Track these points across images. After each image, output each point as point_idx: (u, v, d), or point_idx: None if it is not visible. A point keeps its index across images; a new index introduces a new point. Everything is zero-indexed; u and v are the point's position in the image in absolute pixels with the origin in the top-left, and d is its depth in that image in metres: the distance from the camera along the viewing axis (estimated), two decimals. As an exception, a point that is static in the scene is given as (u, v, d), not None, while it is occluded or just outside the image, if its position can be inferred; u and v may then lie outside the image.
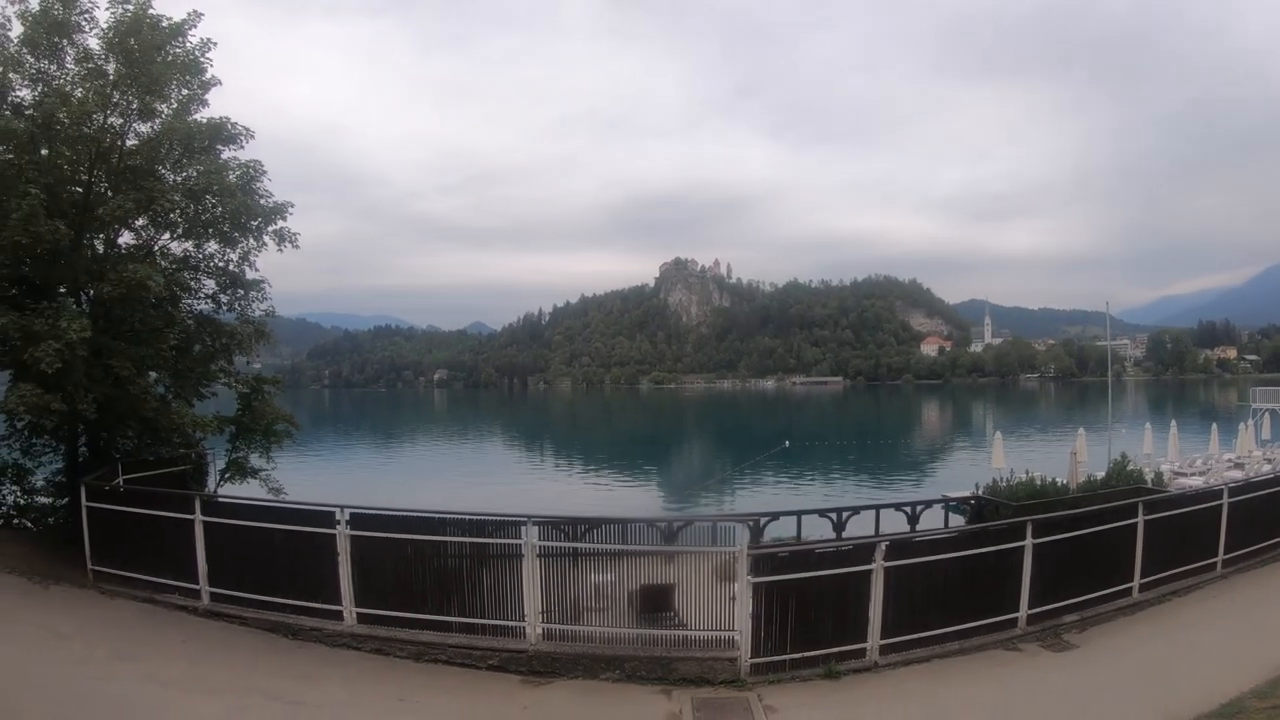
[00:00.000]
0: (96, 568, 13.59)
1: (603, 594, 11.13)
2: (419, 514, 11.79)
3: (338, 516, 11.54)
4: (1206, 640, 12.22)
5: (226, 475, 17.79)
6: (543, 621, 10.88)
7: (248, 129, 15.80)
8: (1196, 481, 25.45)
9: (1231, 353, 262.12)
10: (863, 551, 11.06)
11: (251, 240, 16.19)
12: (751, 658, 10.41)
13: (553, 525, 11.38)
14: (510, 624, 11.00)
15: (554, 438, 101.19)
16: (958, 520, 18.18)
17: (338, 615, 11.55)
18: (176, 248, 16.39)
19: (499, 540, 11.32)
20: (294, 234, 16.31)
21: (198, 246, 16.33)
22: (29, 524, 16.90)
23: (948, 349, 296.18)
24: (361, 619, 11.47)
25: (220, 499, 14.43)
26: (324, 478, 47.58)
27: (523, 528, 11.08)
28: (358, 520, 11.53)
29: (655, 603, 10.99)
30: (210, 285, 16.75)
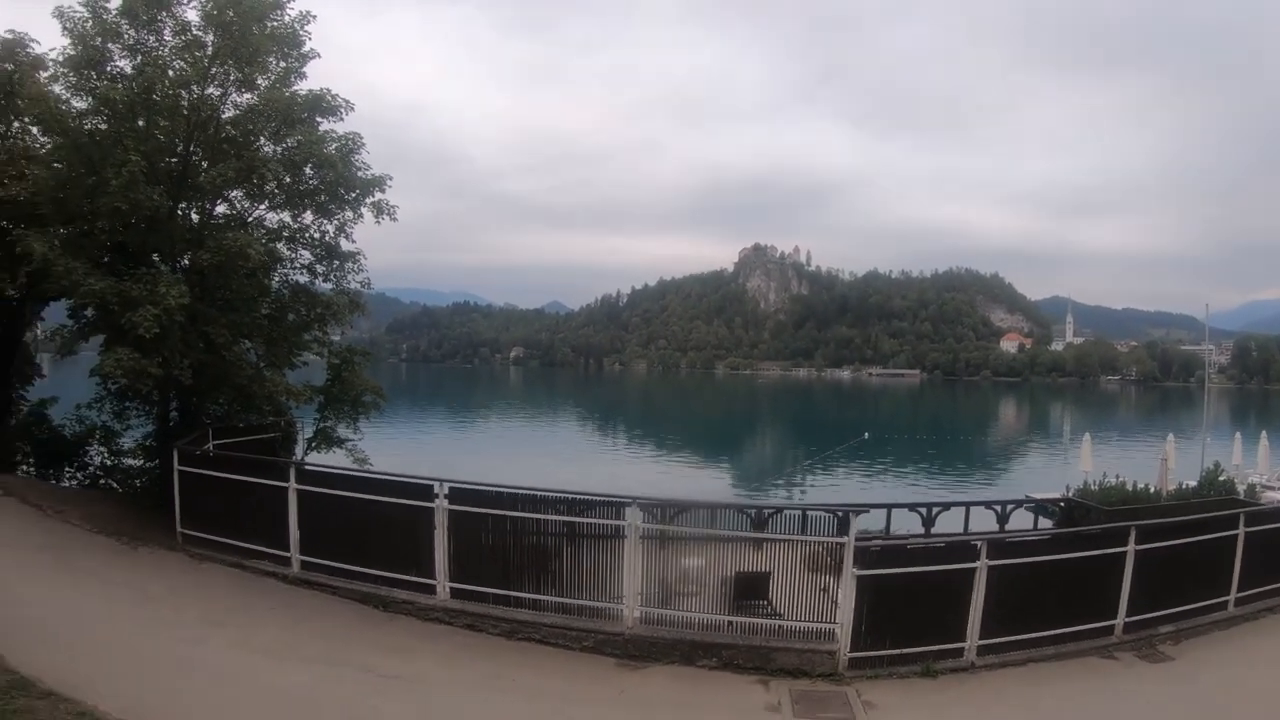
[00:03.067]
0: (186, 531, 13.85)
1: (693, 578, 11.14)
2: (519, 490, 11.80)
3: (436, 490, 11.66)
4: None
5: (313, 444, 18.07)
6: (641, 605, 10.90)
7: (348, 101, 15.92)
8: None
9: None
10: (964, 549, 11.01)
11: (349, 211, 16.35)
12: (850, 652, 10.35)
13: (649, 507, 11.39)
14: (607, 606, 11.05)
15: (631, 419, 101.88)
16: (1045, 522, 18.00)
17: (431, 589, 11.65)
18: (273, 218, 16.59)
19: (601, 520, 11.40)
20: (392, 206, 16.43)
21: (295, 217, 16.52)
22: (115, 485, 17.32)
23: (1027, 346, 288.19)
24: (455, 594, 11.56)
25: (314, 467, 14.59)
26: (407, 451, 47.87)
27: (625, 509, 11.11)
28: (456, 495, 11.65)
29: (750, 590, 10.98)
30: (306, 256, 16.95)
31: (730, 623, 10.79)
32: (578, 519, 11.43)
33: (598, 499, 11.71)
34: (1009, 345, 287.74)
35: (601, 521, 11.38)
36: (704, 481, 45.46)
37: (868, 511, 15.14)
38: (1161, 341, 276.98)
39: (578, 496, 11.77)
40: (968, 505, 16.84)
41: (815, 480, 46.01)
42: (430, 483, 11.82)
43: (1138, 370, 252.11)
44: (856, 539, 10.50)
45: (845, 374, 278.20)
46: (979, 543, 11.05)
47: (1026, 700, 10.05)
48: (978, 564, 10.58)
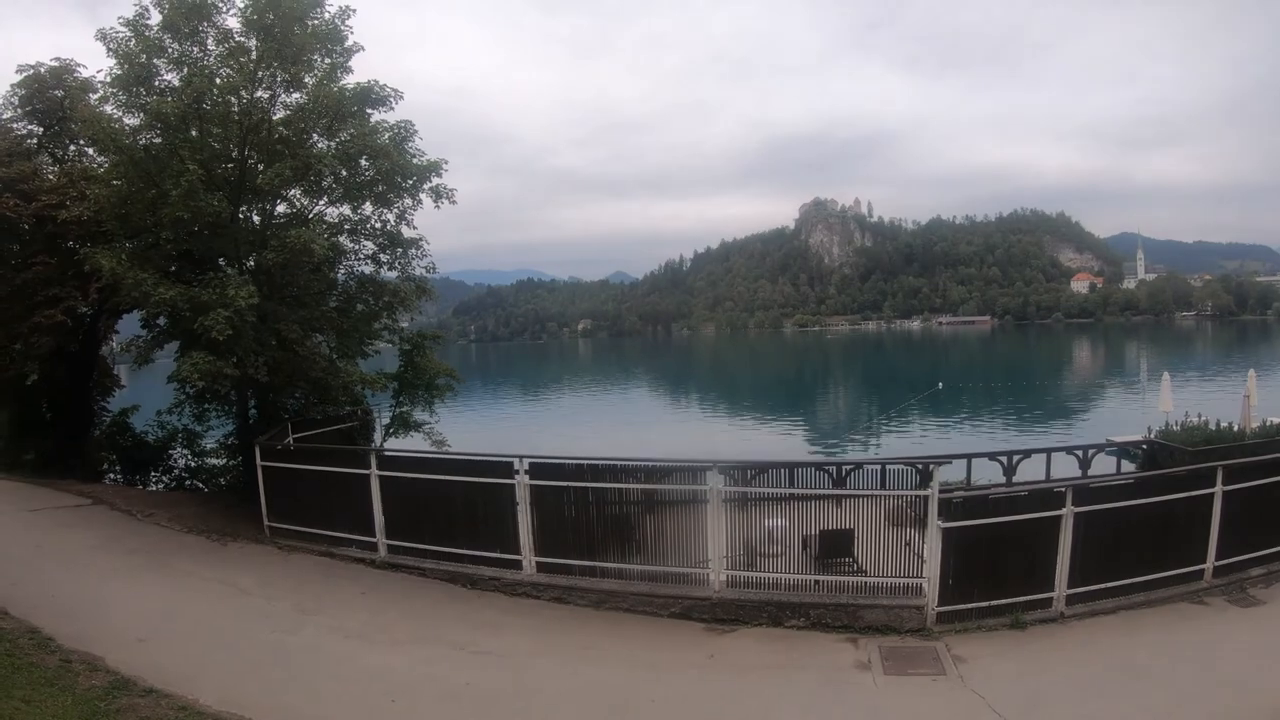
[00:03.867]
0: (273, 524, 14.32)
1: (775, 539, 11.20)
2: (599, 461, 11.99)
3: (516, 466, 11.86)
4: None
5: (391, 430, 18.48)
6: (726, 568, 11.00)
7: (396, 90, 16.05)
8: None
9: None
10: (1048, 496, 10.85)
11: (408, 199, 16.55)
12: (938, 606, 10.32)
13: (727, 470, 11.42)
14: (693, 571, 11.16)
15: (703, 383, 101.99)
16: (1128, 465, 17.55)
17: (517, 565, 11.92)
18: (333, 212, 16.87)
19: (681, 486, 11.53)
20: (450, 190, 16.61)
21: (354, 209, 16.76)
22: (201, 485, 17.89)
23: (1099, 286, 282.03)
24: (541, 568, 11.82)
25: (393, 453, 14.92)
26: (484, 429, 48.33)
27: (707, 473, 11.18)
28: (536, 469, 11.84)
29: (835, 548, 11.01)
30: (369, 246, 17.22)
31: (816, 581, 10.85)
32: (658, 486, 11.59)
33: (677, 465, 11.82)
34: (1079, 285, 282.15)
35: (682, 487, 11.50)
36: (781, 441, 45.31)
37: (949, 463, 15.00)
38: (1236, 274, 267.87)
39: (657, 463, 11.92)
40: (1049, 451, 16.61)
41: (892, 434, 45.67)
42: (510, 459, 12.01)
43: (1213, 305, 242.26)
44: (939, 491, 10.47)
45: (915, 324, 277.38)
46: (1064, 489, 10.88)
47: (1118, 649, 9.93)
48: (1063, 511, 10.48)
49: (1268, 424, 20.07)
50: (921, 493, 10.50)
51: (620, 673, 9.63)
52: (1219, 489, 11.35)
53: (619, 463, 11.91)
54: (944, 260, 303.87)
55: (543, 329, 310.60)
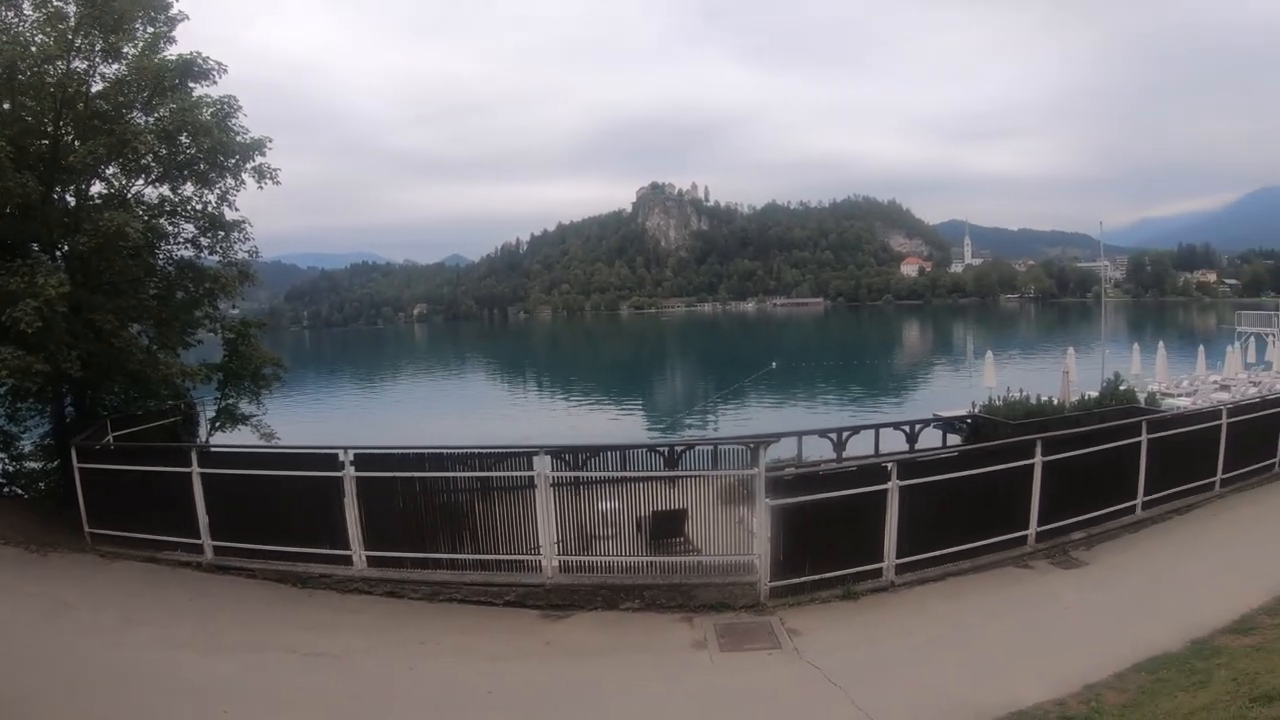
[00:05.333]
0: (94, 530, 13.29)
1: (610, 521, 11.06)
2: (425, 450, 11.56)
3: (342, 458, 11.32)
4: (1212, 558, 12.40)
5: (217, 424, 17.52)
6: (559, 553, 10.78)
7: (220, 63, 15.09)
8: (1184, 402, 25.61)
9: (1211, 277, 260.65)
10: (875, 471, 11.06)
11: (230, 179, 15.64)
12: (771, 581, 10.38)
13: (559, 454, 11.23)
14: (526, 558, 10.89)
15: (539, 367, 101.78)
16: (954, 439, 18.28)
17: (347, 560, 11.37)
18: (152, 193, 15.79)
19: (510, 473, 11.16)
20: (274, 169, 15.77)
21: (174, 190, 15.73)
22: (20, 491, 16.51)
23: (928, 269, 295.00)
24: (372, 562, 11.31)
25: (216, 449, 14.14)
26: (315, 421, 47.13)
27: (534, 458, 10.91)
28: (363, 461, 11.33)
29: (667, 528, 10.93)
30: (189, 229, 16.21)
31: (650, 563, 10.73)
32: (487, 473, 11.19)
33: (506, 451, 11.47)
34: (909, 269, 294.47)
35: (512, 474, 11.15)
36: (616, 424, 45.96)
37: (778, 440, 15.23)
38: (1058, 260, 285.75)
39: (486, 450, 11.54)
40: (877, 427, 17.23)
41: (727, 413, 46.81)
42: (335, 451, 11.46)
43: (1036, 288, 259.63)
44: (768, 469, 10.50)
45: (750, 306, 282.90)
46: (889, 464, 11.14)
47: (947, 613, 10.29)
48: (888, 485, 10.71)
49: (1086, 398, 21.13)
50: (749, 471, 10.47)
51: (456, 665, 9.36)
52: (1038, 459, 11.85)
53: (445, 451, 11.51)
54: (779, 244, 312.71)
55: (378, 314, 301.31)
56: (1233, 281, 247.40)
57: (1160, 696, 7.38)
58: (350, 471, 11.20)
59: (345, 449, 11.39)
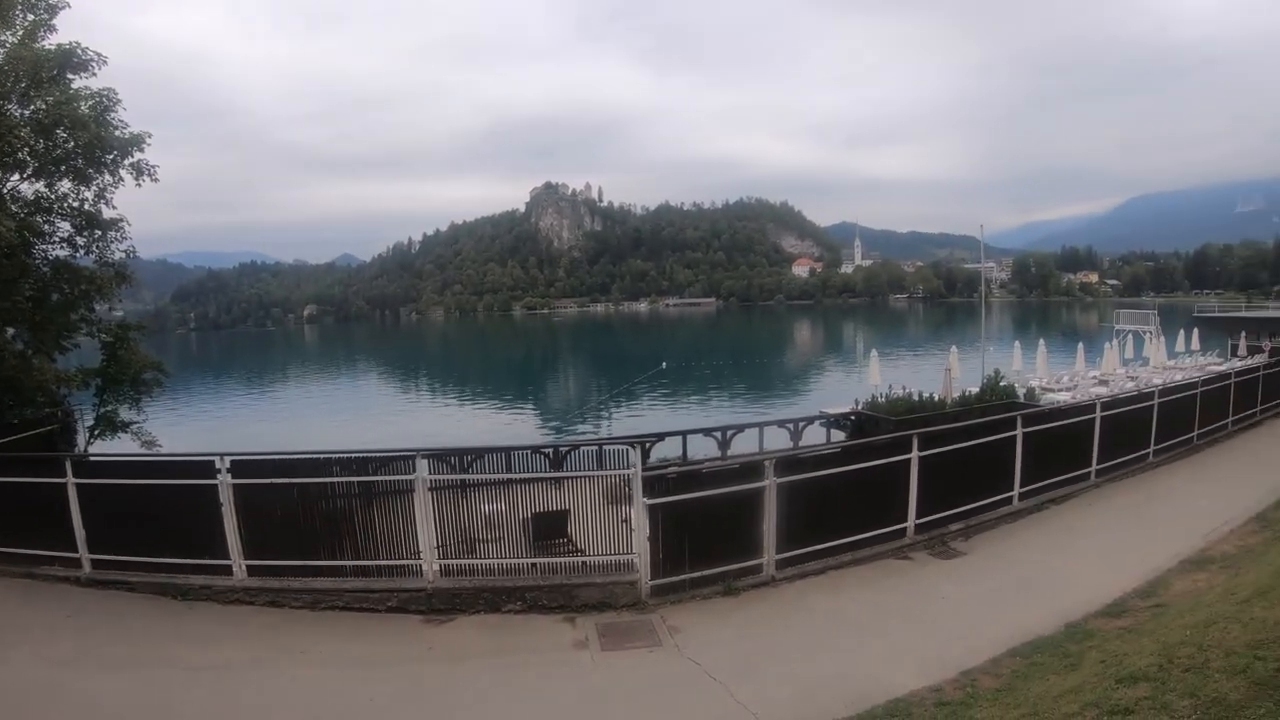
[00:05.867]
0: (-36, 547, 12.68)
1: (494, 524, 10.97)
2: (303, 455, 11.33)
3: (218, 465, 10.94)
4: (1085, 545, 12.94)
5: (97, 432, 16.89)
6: (439, 558, 10.66)
7: (100, 54, 14.65)
8: (1064, 397, 26.58)
9: (1093, 277, 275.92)
10: (754, 469, 11.16)
11: (108, 175, 15.22)
12: (651, 579, 10.43)
13: (441, 457, 11.11)
14: (406, 563, 10.74)
15: (429, 369, 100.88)
16: (838, 435, 18.67)
17: (227, 570, 11.03)
18: (27, 189, 15.18)
19: (388, 477, 10.97)
20: (153, 166, 15.45)
21: (50, 186, 15.18)
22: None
23: (818, 270, 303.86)
24: (252, 571, 11.00)
25: (92, 457, 13.64)
26: (200, 427, 46.03)
27: (413, 461, 10.71)
28: (240, 467, 10.97)
29: (550, 530, 10.92)
30: (65, 228, 15.64)
31: (533, 564, 10.71)
32: (367, 478, 10.99)
33: (385, 455, 11.29)
34: (800, 270, 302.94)
35: (391, 478, 10.96)
36: (508, 425, 45.92)
37: (662, 440, 15.37)
38: (946, 261, 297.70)
39: (365, 454, 11.33)
40: (761, 426, 17.41)
41: (616, 414, 47.15)
42: (212, 458, 11.07)
43: (924, 288, 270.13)
44: (650, 468, 10.62)
45: (642, 306, 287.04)
46: (766, 461, 11.28)
47: (827, 605, 10.49)
48: (765, 482, 10.85)
49: (967, 394, 21.81)
50: (626, 471, 10.51)
51: (338, 674, 9.14)
52: (914, 454, 12.19)
53: (324, 456, 11.25)
54: (672, 245, 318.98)
55: (267, 315, 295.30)
56: (1114, 282, 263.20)
57: (1033, 679, 7.62)
58: (227, 479, 10.84)
59: (221, 455, 11.01)
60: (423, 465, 10.60)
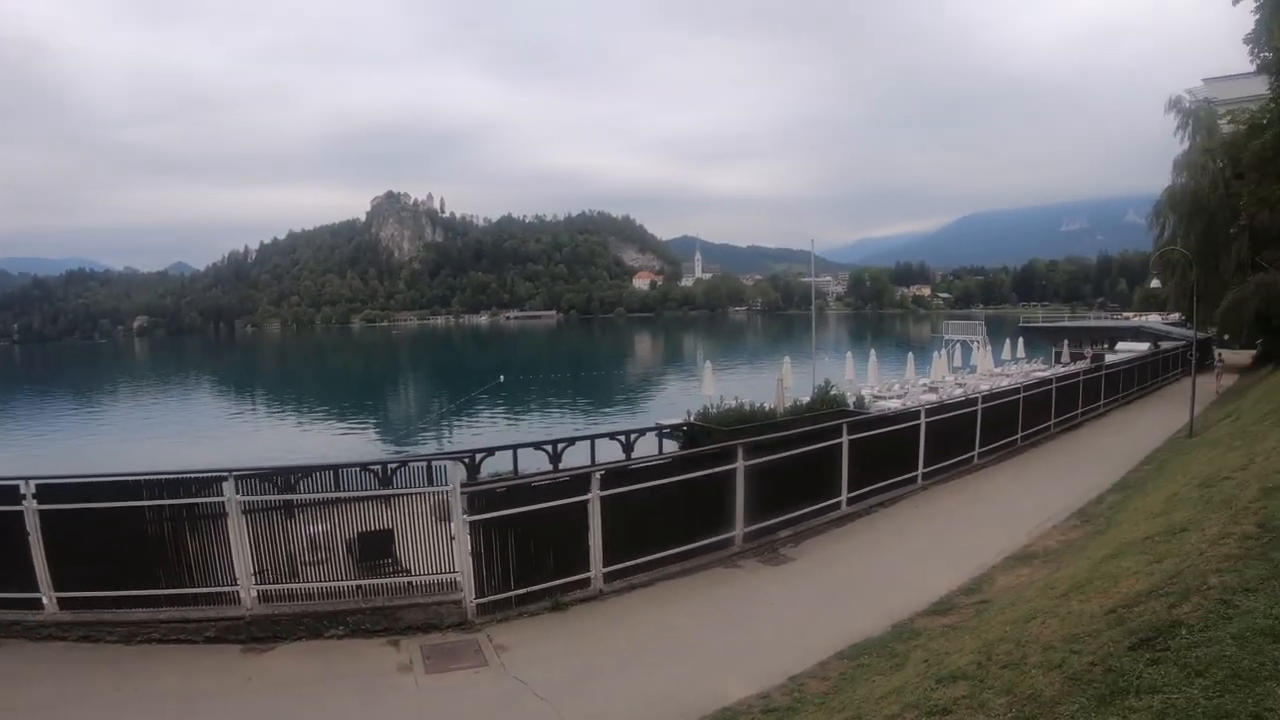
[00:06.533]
0: None
1: (320, 546, 10.71)
2: (112, 478, 10.70)
3: (23, 490, 10.36)
4: (913, 546, 13.54)
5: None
6: (256, 583, 10.37)
7: None
8: (895, 404, 28.02)
9: (926, 291, 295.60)
10: (579, 482, 11.22)
11: None
12: (476, 598, 10.39)
13: (259, 477, 10.77)
14: (223, 590, 10.38)
15: (263, 384, 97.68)
16: (672, 446, 19.14)
17: (37, 604, 10.44)
18: None
19: (198, 500, 10.50)
20: None
21: None
22: None
23: (659, 283, 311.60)
24: (64, 604, 10.44)
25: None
26: (10, 450, 43.37)
27: (224, 483, 10.31)
28: (47, 492, 10.41)
29: (375, 550, 10.72)
30: None
31: (357, 587, 10.51)
32: (177, 500, 10.49)
33: (196, 476, 10.82)
34: (641, 283, 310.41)
35: (201, 500, 10.50)
36: (339, 441, 45.08)
37: (492, 454, 15.37)
38: (783, 275, 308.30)
39: (175, 476, 10.80)
40: (593, 438, 17.57)
41: (451, 428, 47.18)
42: (15, 482, 10.46)
43: (763, 301, 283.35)
44: (479, 483, 10.65)
45: (483, 319, 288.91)
46: (591, 474, 11.36)
47: (656, 617, 10.61)
48: (590, 495, 10.96)
49: (798, 403, 22.70)
50: (445, 488, 10.48)
51: (154, 710, 8.77)
52: (740, 464, 12.53)
53: (133, 478, 10.63)
54: (513, 257, 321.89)
55: (95, 326, 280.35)
56: (946, 295, 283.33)
57: (859, 681, 7.80)
58: (32, 504, 10.28)
59: (26, 479, 10.44)
60: (233, 486, 10.26)
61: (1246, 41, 18.59)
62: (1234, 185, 28.05)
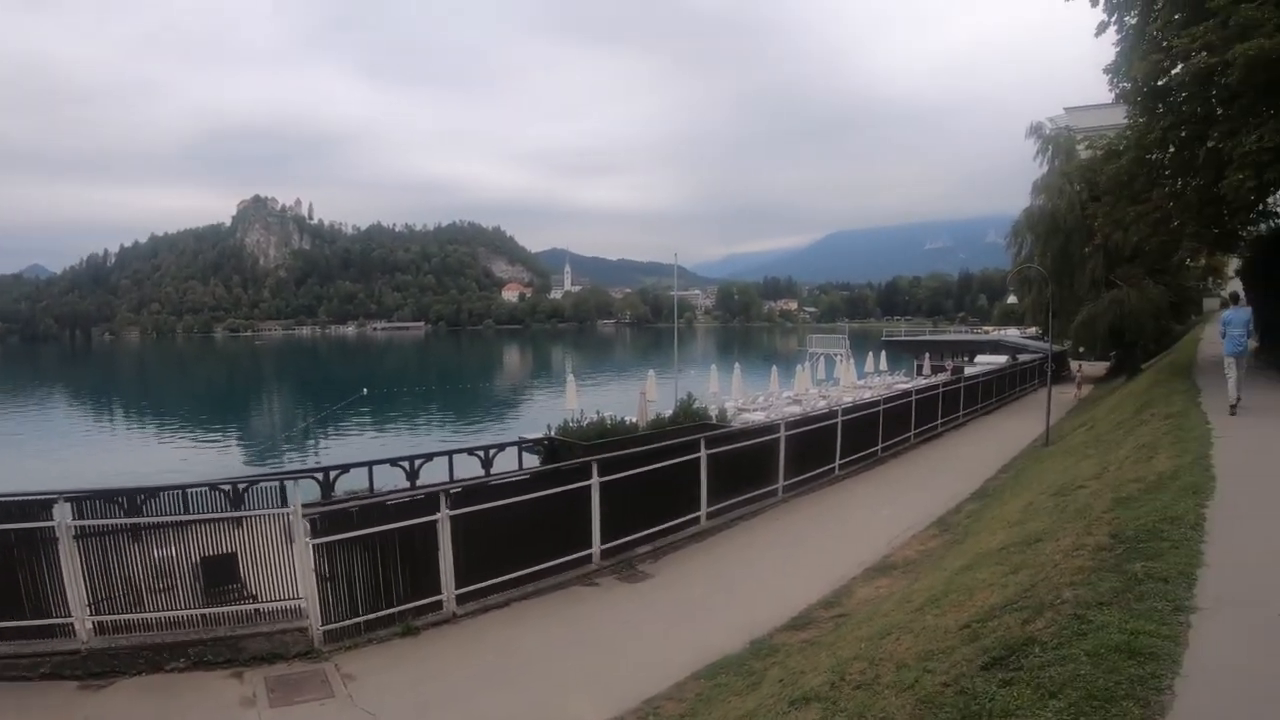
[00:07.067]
0: None
1: (164, 571, 10.20)
2: None
3: None
4: (773, 559, 13.78)
5: None
6: (93, 614, 9.85)
7: None
8: (759, 417, 28.88)
9: (793, 305, 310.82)
10: (427, 501, 11.04)
11: None
12: (323, 625, 10.11)
13: (101, 498, 10.27)
14: (57, 622, 9.80)
15: (118, 397, 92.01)
16: (533, 461, 19.09)
17: None
18: None
19: (28, 525, 9.71)
20: None
21: None
22: None
23: (529, 295, 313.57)
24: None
25: None
26: None
27: (55, 506, 9.69)
28: None
29: (220, 575, 10.35)
30: None
31: (202, 615, 10.11)
32: (6, 526, 9.64)
33: (19, 500, 9.93)
34: (510, 295, 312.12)
35: (32, 525, 9.71)
36: (194, 459, 43.12)
37: (347, 471, 15.09)
38: (652, 288, 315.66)
39: (6, 499, 9.92)
40: (451, 454, 17.35)
41: (309, 444, 46.49)
42: None
43: (631, 314, 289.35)
44: (311, 505, 10.35)
45: (350, 330, 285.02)
46: (439, 492, 11.19)
47: (510, 639, 10.47)
48: (439, 515, 10.79)
49: (660, 417, 23.04)
50: (286, 510, 10.22)
51: None
52: (595, 480, 12.63)
53: None
54: (382, 266, 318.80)
55: None
56: (812, 309, 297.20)
57: (715, 702, 7.76)
58: None
59: None
60: (65, 510, 9.70)
61: (1107, 71, 19.71)
62: (1090, 207, 29.43)
